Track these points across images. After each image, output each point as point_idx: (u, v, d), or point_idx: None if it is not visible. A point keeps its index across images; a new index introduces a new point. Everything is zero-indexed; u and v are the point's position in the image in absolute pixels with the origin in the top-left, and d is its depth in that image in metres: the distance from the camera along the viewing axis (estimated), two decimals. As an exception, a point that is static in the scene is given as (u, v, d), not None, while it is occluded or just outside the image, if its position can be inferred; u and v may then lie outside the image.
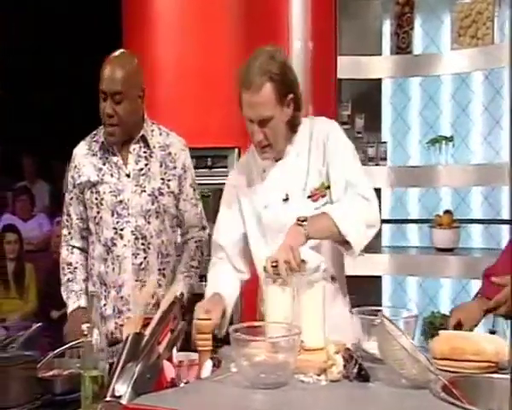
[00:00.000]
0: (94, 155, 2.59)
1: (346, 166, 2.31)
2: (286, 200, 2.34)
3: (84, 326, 1.96)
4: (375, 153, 4.15)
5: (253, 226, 2.40)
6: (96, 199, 2.54)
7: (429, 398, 1.69)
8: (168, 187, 2.58)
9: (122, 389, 1.74)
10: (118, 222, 2.52)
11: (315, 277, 2.13)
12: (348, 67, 4.12)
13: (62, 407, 1.94)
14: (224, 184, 3.96)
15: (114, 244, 2.53)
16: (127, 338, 1.88)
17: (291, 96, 2.26)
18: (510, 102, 3.88)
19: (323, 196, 2.31)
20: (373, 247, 4.42)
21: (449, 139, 4.02)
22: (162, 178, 2.57)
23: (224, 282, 2.35)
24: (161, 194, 2.56)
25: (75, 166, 2.62)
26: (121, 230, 2.52)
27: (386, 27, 4.36)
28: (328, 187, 2.31)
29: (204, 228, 2.76)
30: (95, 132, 2.65)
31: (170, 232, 2.62)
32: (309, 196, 2.31)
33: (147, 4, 4.09)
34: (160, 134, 2.64)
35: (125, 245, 2.52)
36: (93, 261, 2.61)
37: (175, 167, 2.61)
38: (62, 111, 8.34)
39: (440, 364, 1.90)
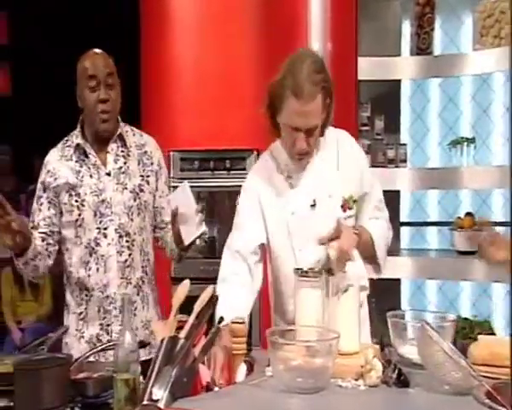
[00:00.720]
0: (69, 159, 2.56)
1: (375, 189, 2.44)
2: (313, 206, 2.32)
3: (117, 328, 1.94)
4: (394, 155, 4.11)
5: (278, 233, 2.36)
6: (76, 201, 2.51)
7: (473, 405, 1.65)
8: (148, 183, 2.60)
9: (159, 392, 1.72)
10: (101, 222, 2.51)
11: (351, 281, 2.09)
12: (367, 68, 4.09)
13: (94, 409, 1.93)
14: (241, 186, 4.02)
15: (98, 244, 2.50)
16: (162, 341, 1.85)
17: (329, 102, 2.25)
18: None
19: (350, 208, 2.34)
20: (392, 249, 4.40)
21: (470, 141, 3.98)
22: (141, 175, 2.59)
23: (243, 304, 2.26)
24: (142, 190, 2.58)
25: (48, 171, 2.56)
26: (105, 229, 2.51)
27: (406, 28, 4.33)
28: (355, 201, 2.35)
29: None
30: (66, 139, 2.63)
31: (149, 230, 2.65)
32: (341, 206, 2.32)
33: (165, 5, 4.08)
34: (134, 134, 2.67)
35: (109, 244, 2.51)
36: (70, 269, 2.56)
37: (152, 164, 2.63)
38: (74, 113, 8.31)
39: (481, 370, 1.87)
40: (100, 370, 2.10)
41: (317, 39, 3.97)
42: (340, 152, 2.36)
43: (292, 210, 2.33)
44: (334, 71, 3.92)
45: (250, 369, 2.00)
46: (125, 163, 2.57)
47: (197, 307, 1.96)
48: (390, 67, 4.18)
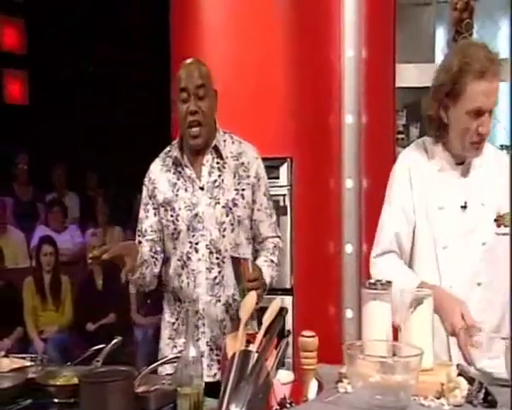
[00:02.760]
0: (168, 170, 2.55)
1: None
2: (464, 207, 2.27)
3: (180, 341, 1.89)
4: (431, 163, 4.01)
5: (422, 226, 2.32)
6: (172, 216, 2.50)
7: None
8: (242, 197, 2.51)
9: (237, 410, 1.64)
10: (193, 236, 2.47)
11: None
12: (402, 74, 4.02)
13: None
14: (275, 195, 3.94)
15: (189, 258, 2.48)
16: (234, 356, 1.77)
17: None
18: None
19: (505, 225, 2.25)
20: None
21: (510, 148, 3.89)
22: (236, 189, 2.50)
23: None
24: (235, 205, 2.49)
25: (150, 179, 2.58)
26: (196, 243, 2.47)
27: (439, 34, 4.26)
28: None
29: (279, 237, 2.70)
30: (168, 149, 2.61)
31: (245, 246, 2.55)
32: (495, 220, 2.26)
33: (196, 9, 4.01)
34: (233, 143, 2.58)
35: (199, 259, 2.47)
36: (167, 278, 2.57)
37: (248, 176, 2.53)
38: (93, 122, 8.26)
39: None
40: (157, 383, 2.07)
41: (349, 46, 3.90)
42: (497, 166, 2.32)
43: (440, 205, 2.29)
44: (370, 78, 3.91)
45: (320, 385, 1.92)
46: (219, 176, 2.50)
47: (266, 319, 1.88)
48: (424, 74, 4.10)
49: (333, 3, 3.89)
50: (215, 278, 2.47)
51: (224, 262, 2.47)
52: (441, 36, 4.19)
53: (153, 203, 2.56)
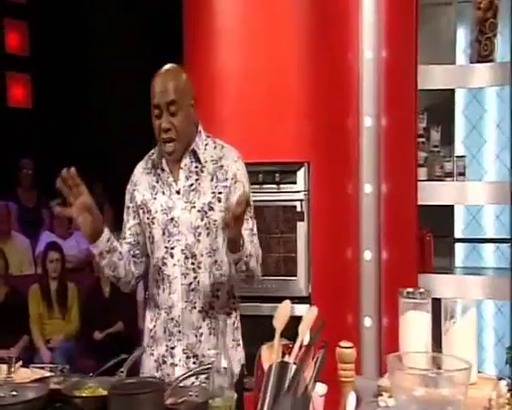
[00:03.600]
0: (149, 172, 2.52)
1: None
2: None
3: (212, 352, 1.79)
4: (451, 168, 3.92)
5: None
6: (148, 219, 2.46)
7: None
8: (219, 200, 2.42)
9: (277, 426, 1.53)
10: (169, 241, 2.42)
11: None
12: (422, 76, 3.91)
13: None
14: (291, 200, 3.85)
15: (165, 264, 2.43)
16: (270, 368, 1.66)
17: None
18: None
19: None
20: (446, 267, 4.22)
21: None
22: (213, 192, 2.43)
23: None
24: (211, 209, 2.41)
25: (132, 181, 2.56)
26: (172, 248, 2.42)
27: (460, 34, 4.16)
28: None
29: (255, 244, 2.47)
30: (152, 151, 2.57)
31: (223, 252, 2.41)
32: None
33: (209, 15, 3.92)
34: (215, 147, 2.51)
35: (174, 264, 2.41)
36: (148, 284, 2.55)
37: (226, 179, 2.45)
38: (98, 127, 8.16)
39: None
40: (184, 395, 2.00)
41: (368, 47, 3.81)
42: None
43: None
44: (392, 79, 3.81)
45: (358, 398, 1.81)
46: (196, 180, 2.44)
47: (303, 329, 1.77)
48: (444, 76, 4.01)
49: (351, 3, 3.80)
50: (190, 283, 2.41)
51: (199, 268, 2.41)
52: (462, 36, 4.08)
53: (133, 206, 2.53)
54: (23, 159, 7.31)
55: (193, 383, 2.17)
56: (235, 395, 1.72)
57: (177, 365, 2.38)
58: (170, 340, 2.42)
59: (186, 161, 2.45)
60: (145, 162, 2.56)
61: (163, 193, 2.45)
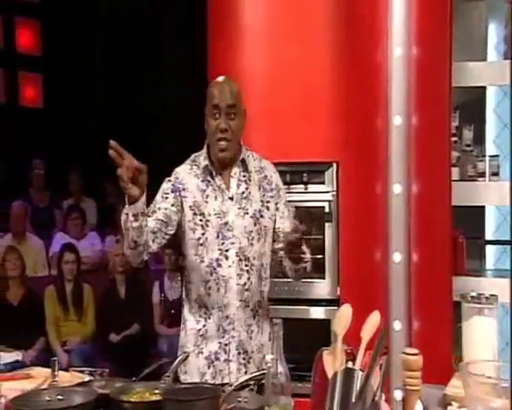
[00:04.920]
0: (196, 176, 2.64)
1: None
2: None
3: (268, 357, 1.70)
4: (484, 167, 3.83)
5: None
6: (201, 221, 2.58)
7: None
8: (268, 209, 2.65)
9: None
10: (223, 243, 2.56)
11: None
12: (453, 73, 3.82)
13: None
14: (319, 200, 3.76)
15: (220, 265, 2.56)
16: (335, 375, 1.56)
17: None
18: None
19: None
20: (476, 269, 4.12)
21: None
22: (262, 201, 2.64)
23: None
24: (262, 216, 2.62)
25: (177, 178, 2.64)
26: (226, 251, 2.56)
27: (491, 30, 4.07)
28: None
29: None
30: (193, 158, 2.70)
31: (268, 256, 2.67)
32: None
33: (234, 12, 3.84)
34: (254, 159, 2.73)
35: (229, 266, 2.56)
36: (190, 286, 2.63)
37: (271, 189, 2.69)
38: (111, 125, 8.07)
39: None
40: (232, 401, 1.94)
41: (397, 44, 3.71)
42: None
43: None
44: (423, 77, 3.72)
45: (425, 408, 1.71)
46: (246, 188, 2.63)
47: (366, 335, 1.68)
48: (476, 73, 3.91)
49: (380, -1, 3.71)
50: (244, 284, 2.57)
51: (252, 269, 2.58)
52: (493, 32, 3.98)
53: (174, 197, 2.58)
54: (35, 159, 7.21)
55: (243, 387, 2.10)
56: (292, 402, 1.64)
57: (231, 360, 2.53)
58: (223, 337, 2.55)
59: (236, 169, 2.62)
60: (189, 166, 2.66)
61: (215, 198, 2.59)
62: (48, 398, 1.95)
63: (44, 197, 7.22)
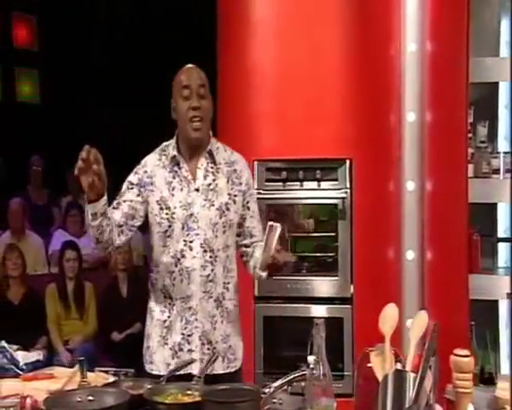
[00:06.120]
0: (164, 167, 2.62)
1: None
2: None
3: (311, 358, 1.65)
4: (498, 164, 3.80)
5: None
6: (167, 214, 2.57)
7: None
8: (234, 202, 2.63)
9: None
10: (188, 234, 2.56)
11: None
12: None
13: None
14: (332, 198, 3.71)
15: (184, 256, 2.56)
16: (386, 377, 1.51)
17: None
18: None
19: None
20: (488, 268, 4.09)
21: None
22: (229, 194, 2.63)
23: None
24: (228, 209, 2.61)
25: (145, 171, 2.62)
26: (190, 242, 2.56)
27: (504, 26, 4.04)
28: None
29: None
30: (163, 148, 2.69)
31: (233, 248, 2.68)
32: None
33: (244, 8, 3.79)
34: (225, 151, 2.71)
35: (194, 257, 2.56)
36: (156, 276, 2.63)
37: (240, 183, 2.67)
38: (109, 121, 8.01)
39: None
40: (267, 402, 1.88)
41: (412, 39, 3.67)
42: None
43: None
44: (438, 72, 3.67)
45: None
46: (214, 180, 2.62)
47: (415, 335, 1.63)
48: (492, 68, 3.88)
49: (393, -6, 3.67)
50: (208, 275, 2.56)
51: (216, 261, 2.58)
52: (506, 28, 3.95)
53: (139, 190, 2.58)
54: (33, 156, 7.12)
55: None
56: (335, 404, 1.59)
57: (193, 351, 2.53)
58: (186, 328, 2.56)
59: (202, 160, 2.60)
60: (158, 156, 2.65)
61: (181, 189, 2.57)
62: (79, 399, 1.91)
63: (43, 195, 7.11)
